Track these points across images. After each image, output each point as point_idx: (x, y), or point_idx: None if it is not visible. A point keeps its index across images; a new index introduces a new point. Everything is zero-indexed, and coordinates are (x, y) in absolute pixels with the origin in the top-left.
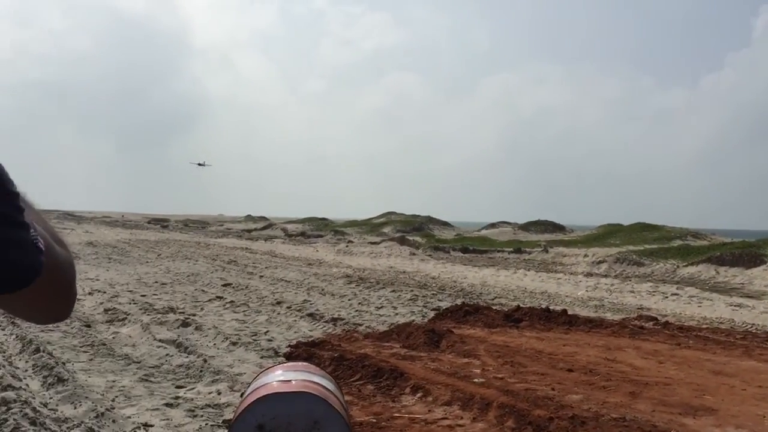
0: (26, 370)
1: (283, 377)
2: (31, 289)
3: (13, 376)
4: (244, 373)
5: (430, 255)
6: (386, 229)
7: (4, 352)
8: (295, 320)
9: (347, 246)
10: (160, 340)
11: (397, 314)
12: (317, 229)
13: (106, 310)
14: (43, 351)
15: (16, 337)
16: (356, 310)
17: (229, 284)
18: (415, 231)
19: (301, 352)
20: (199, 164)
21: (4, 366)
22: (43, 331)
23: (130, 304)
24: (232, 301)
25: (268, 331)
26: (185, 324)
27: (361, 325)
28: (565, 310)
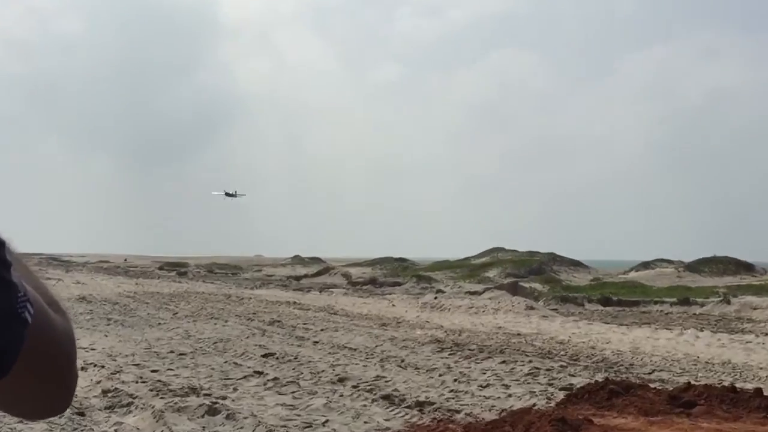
0: None
1: None
2: (13, 375)
3: None
4: None
5: (555, 309)
6: (491, 273)
7: None
8: (365, 405)
9: (436, 298)
10: None
11: (510, 396)
12: (393, 274)
13: (104, 392)
14: None
15: None
16: (451, 390)
17: (272, 354)
18: (532, 275)
19: None
20: (228, 194)
21: None
22: (21, 421)
23: (137, 382)
24: (276, 378)
25: (327, 421)
26: (212, 411)
27: (458, 411)
28: (759, 390)
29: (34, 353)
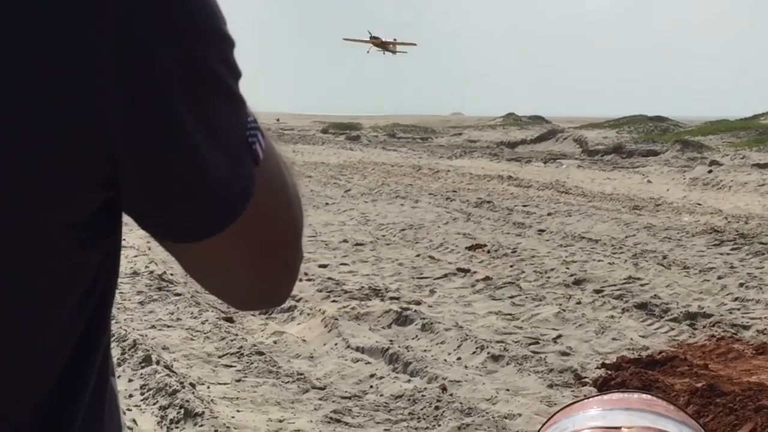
0: (131, 395)
1: (604, 421)
2: (226, 236)
3: None
4: (518, 415)
5: None
6: None
7: None
8: (613, 316)
9: (710, 172)
10: (357, 349)
11: None
12: (646, 139)
13: None
14: (158, 362)
15: (111, 335)
16: (735, 299)
17: (481, 246)
18: None
19: (628, 378)
20: (377, 42)
21: None
22: (154, 327)
23: (300, 280)
24: (487, 278)
25: (559, 337)
26: (403, 320)
27: (746, 327)
28: None
29: (259, 208)
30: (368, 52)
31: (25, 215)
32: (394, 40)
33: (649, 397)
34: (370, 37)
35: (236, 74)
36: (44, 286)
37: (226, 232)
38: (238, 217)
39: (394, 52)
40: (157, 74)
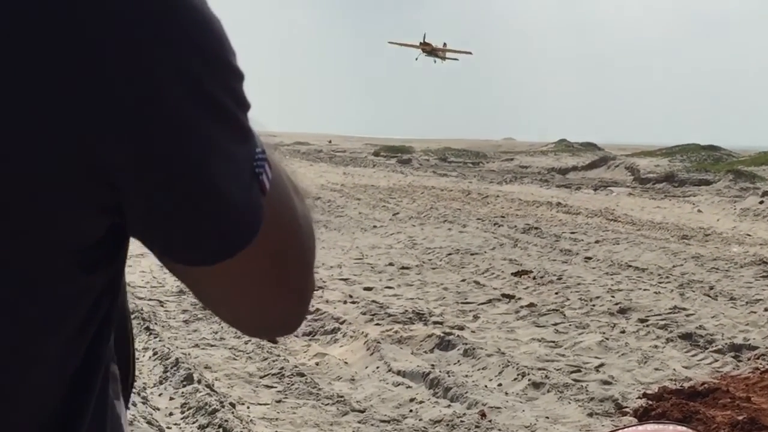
0: (171, 413)
1: None
2: (234, 264)
3: (149, 423)
4: None
5: None
6: None
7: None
8: (656, 346)
9: (762, 202)
10: (398, 373)
11: None
12: (699, 168)
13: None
14: (199, 381)
15: (154, 353)
16: None
17: (527, 272)
18: None
19: (669, 409)
20: (427, 49)
21: (135, 404)
22: (197, 346)
23: (345, 303)
24: (532, 305)
25: (602, 365)
26: (445, 344)
27: None
28: None
29: (266, 238)
30: (417, 59)
31: (25, 236)
32: (444, 45)
33: (684, 429)
34: (421, 43)
35: (243, 106)
36: (45, 307)
37: (234, 259)
38: (248, 244)
39: (443, 58)
40: (159, 100)
